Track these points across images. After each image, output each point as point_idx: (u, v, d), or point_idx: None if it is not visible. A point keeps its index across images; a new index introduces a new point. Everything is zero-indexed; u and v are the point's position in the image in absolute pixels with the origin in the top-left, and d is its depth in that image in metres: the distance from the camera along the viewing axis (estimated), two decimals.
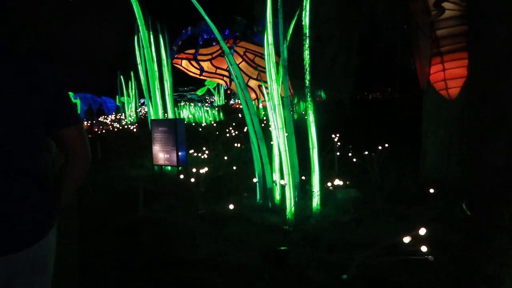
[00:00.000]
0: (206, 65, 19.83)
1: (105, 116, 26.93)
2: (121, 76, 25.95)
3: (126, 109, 25.11)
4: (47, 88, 1.32)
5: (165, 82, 8.55)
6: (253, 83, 19.91)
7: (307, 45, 4.39)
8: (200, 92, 34.45)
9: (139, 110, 26.49)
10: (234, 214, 4.85)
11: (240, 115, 16.02)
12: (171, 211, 4.85)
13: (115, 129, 15.48)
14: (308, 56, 4.46)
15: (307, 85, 4.50)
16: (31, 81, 1.28)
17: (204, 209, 4.74)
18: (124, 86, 25.53)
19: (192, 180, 5.22)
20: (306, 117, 4.65)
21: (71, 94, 26.08)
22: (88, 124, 19.94)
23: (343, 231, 4.07)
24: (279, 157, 5.27)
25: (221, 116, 16.24)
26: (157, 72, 8.21)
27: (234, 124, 11.71)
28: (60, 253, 1.63)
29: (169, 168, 7.96)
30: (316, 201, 4.84)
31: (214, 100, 33.22)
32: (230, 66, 5.27)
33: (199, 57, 19.71)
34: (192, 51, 19.80)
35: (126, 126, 17.01)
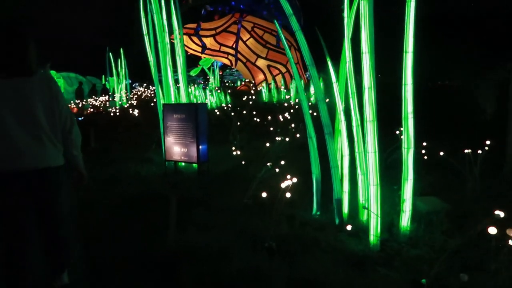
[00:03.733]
0: (209, 41, 18.37)
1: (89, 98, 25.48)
2: (110, 53, 24.41)
3: (116, 90, 23.65)
4: None
5: (177, 58, 7.31)
6: (261, 63, 18.57)
7: None
8: (194, 73, 32.94)
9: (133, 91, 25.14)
10: (295, 235, 3.75)
11: (253, 97, 14.81)
12: (213, 232, 3.71)
13: (110, 113, 14.18)
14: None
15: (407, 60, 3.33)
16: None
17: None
18: (113, 65, 24.01)
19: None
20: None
21: (53, 73, 24.49)
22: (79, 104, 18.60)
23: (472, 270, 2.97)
24: (349, 160, 4.15)
25: (228, 100, 14.99)
26: (168, 45, 6.96)
27: (253, 109, 10.51)
28: None
29: (183, 164, 6.81)
30: (407, 218, 3.75)
31: (209, 81, 31.85)
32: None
33: (201, 32, 18.24)
34: (194, 25, 18.31)
35: (112, 109, 15.67)
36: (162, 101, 7.11)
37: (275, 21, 5.53)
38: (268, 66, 18.41)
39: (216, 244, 3.43)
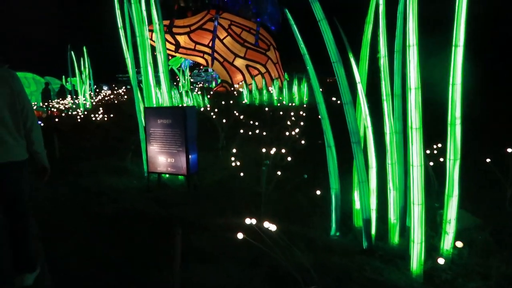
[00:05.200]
0: (183, 39, 17.60)
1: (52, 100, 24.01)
2: (72, 52, 23.14)
3: (80, 92, 22.40)
4: None
5: (158, 55, 6.64)
6: (239, 63, 17.98)
7: None
8: None
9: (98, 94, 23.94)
10: (321, 264, 3.21)
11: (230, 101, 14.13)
12: (220, 265, 3.10)
13: (74, 117, 13.17)
14: None
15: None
16: None
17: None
18: (76, 65, 22.75)
19: None
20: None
21: None
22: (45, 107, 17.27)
23: None
24: (377, 173, 3.65)
25: (206, 102, 14.32)
26: (148, 40, 6.30)
27: (239, 114, 9.92)
28: None
29: (167, 176, 6.13)
30: (450, 240, 3.28)
31: (179, 83, 31.15)
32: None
33: (174, 30, 17.45)
34: (166, 22, 17.50)
35: (79, 113, 14.64)
36: (141, 104, 6.42)
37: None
38: (247, 66, 17.85)
39: (228, 281, 2.83)
